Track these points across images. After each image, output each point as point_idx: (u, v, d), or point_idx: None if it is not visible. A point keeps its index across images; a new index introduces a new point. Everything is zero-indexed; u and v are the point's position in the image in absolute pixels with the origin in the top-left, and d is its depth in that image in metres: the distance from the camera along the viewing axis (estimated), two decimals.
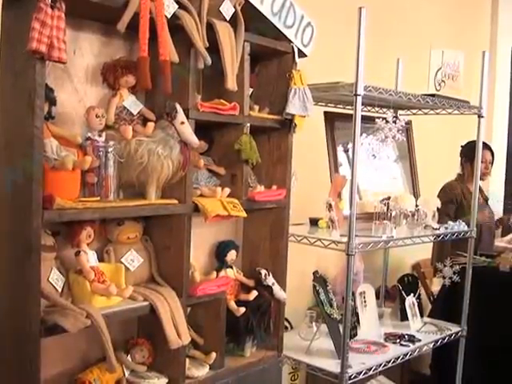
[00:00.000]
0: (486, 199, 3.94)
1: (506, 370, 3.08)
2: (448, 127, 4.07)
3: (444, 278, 2.99)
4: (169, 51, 1.65)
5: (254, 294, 2.07)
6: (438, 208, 3.04)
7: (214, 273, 2.04)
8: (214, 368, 1.99)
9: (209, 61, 1.76)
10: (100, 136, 1.67)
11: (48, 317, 1.51)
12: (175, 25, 1.68)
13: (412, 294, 2.98)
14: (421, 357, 3.70)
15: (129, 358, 1.84)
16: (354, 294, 2.75)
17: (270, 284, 2.10)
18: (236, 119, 1.94)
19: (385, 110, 2.66)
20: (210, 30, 1.79)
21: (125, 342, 1.88)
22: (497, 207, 4.70)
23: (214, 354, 1.98)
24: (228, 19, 1.85)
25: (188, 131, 1.76)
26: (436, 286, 3.72)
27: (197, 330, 2.01)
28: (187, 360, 1.91)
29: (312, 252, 2.58)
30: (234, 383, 2.04)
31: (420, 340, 2.75)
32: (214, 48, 1.79)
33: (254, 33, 1.96)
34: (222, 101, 1.91)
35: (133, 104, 1.79)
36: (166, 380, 1.86)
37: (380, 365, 2.47)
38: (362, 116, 2.22)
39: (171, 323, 1.76)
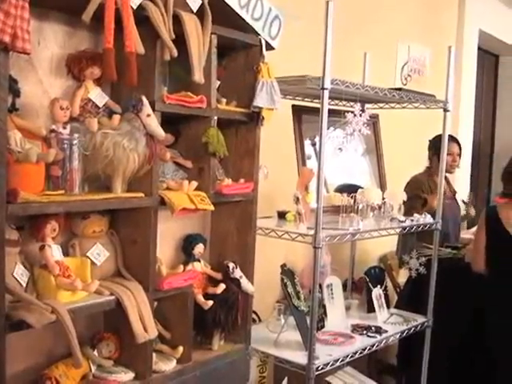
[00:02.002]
0: (453, 192, 4.00)
1: (472, 359, 3.14)
2: (415, 121, 4.11)
3: (410, 269, 3.03)
4: (134, 43, 1.63)
5: (222, 287, 2.07)
6: (406, 200, 3.09)
7: (181, 266, 2.03)
8: (181, 362, 1.99)
9: (175, 52, 1.74)
10: (65, 128, 1.64)
11: (13, 312, 1.48)
12: (141, 16, 1.66)
13: (379, 286, 3.02)
14: (388, 347, 3.75)
15: (95, 352, 1.83)
16: (321, 286, 2.77)
17: (238, 277, 2.10)
18: (203, 112, 1.93)
19: (352, 103, 2.66)
20: (177, 22, 1.77)
21: (91, 337, 1.87)
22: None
23: (181, 348, 1.97)
24: (195, 11, 1.84)
25: (154, 124, 1.74)
26: (402, 277, 3.77)
27: (164, 324, 2.00)
28: (154, 354, 1.91)
29: (281, 245, 2.59)
30: (202, 376, 2.04)
31: (387, 331, 2.79)
32: (180, 40, 1.77)
33: (221, 25, 1.95)
34: (188, 93, 1.89)
35: (98, 96, 1.77)
36: (133, 374, 1.85)
37: (347, 356, 2.49)
38: (329, 109, 2.23)
39: (137, 317, 1.76)
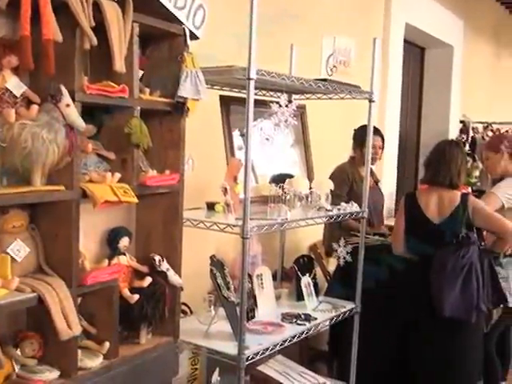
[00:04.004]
0: (376, 181, 4.09)
1: (400, 344, 3.22)
2: (344, 111, 4.18)
3: (339, 257, 3.09)
4: (52, 30, 1.59)
5: (148, 280, 2.04)
6: (331, 190, 3.13)
7: (106, 260, 1.99)
8: (108, 357, 1.95)
9: (94, 41, 1.71)
10: None
11: None
12: (59, 3, 1.61)
13: (308, 275, 3.06)
14: (319, 334, 3.82)
15: (18, 352, 1.77)
16: (251, 276, 2.78)
17: (165, 270, 2.08)
18: (125, 102, 1.89)
19: (279, 94, 2.68)
20: (97, 10, 1.73)
21: (13, 336, 1.81)
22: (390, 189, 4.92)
23: (107, 344, 1.94)
24: None
25: (74, 114, 1.70)
26: (332, 265, 3.84)
27: (89, 320, 1.96)
28: (79, 351, 1.86)
29: (212, 236, 2.58)
30: (130, 371, 2.01)
31: (316, 318, 2.82)
32: (101, 28, 1.73)
33: (143, 14, 1.91)
34: (110, 83, 1.85)
35: (16, 86, 1.71)
36: (58, 373, 1.80)
37: (277, 344, 2.51)
38: (257, 100, 2.23)
39: (60, 314, 1.71)
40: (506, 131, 6.72)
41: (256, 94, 2.76)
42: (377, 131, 3.89)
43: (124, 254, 2.06)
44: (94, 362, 1.90)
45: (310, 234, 4.10)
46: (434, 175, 3.12)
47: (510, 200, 3.38)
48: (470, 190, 4.75)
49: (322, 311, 2.95)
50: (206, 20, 2.12)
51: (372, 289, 3.12)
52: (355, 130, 3.75)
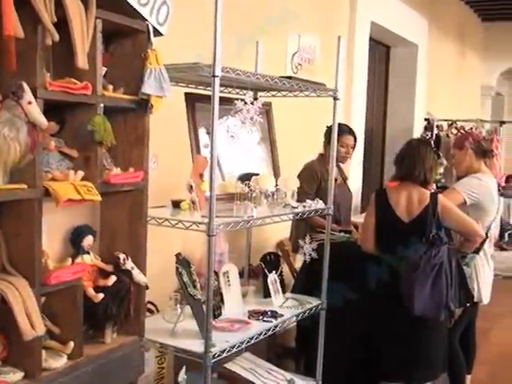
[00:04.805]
0: (344, 179, 4.13)
1: (365, 335, 3.25)
2: (311, 109, 4.20)
3: (305, 254, 3.11)
4: (13, 26, 1.55)
5: (113, 279, 2.02)
6: (299, 187, 3.15)
7: (70, 259, 1.96)
8: (72, 357, 1.92)
9: (56, 37, 1.68)
10: None
11: None
12: None
13: (274, 272, 3.07)
14: (287, 331, 3.84)
15: None
16: (217, 274, 2.78)
17: (129, 268, 2.06)
18: (88, 99, 1.87)
19: (245, 91, 2.68)
20: (59, 5, 1.70)
21: None
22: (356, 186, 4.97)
23: (71, 343, 1.91)
24: None
25: (36, 111, 1.67)
26: (299, 262, 3.86)
27: (53, 320, 1.94)
28: (44, 351, 1.84)
29: (179, 235, 2.58)
30: (95, 371, 1.99)
31: (282, 315, 2.84)
32: (63, 24, 1.71)
33: (106, 10, 1.89)
34: (73, 80, 1.83)
35: None
36: (22, 374, 1.77)
37: (243, 342, 2.52)
38: (222, 98, 2.22)
39: (24, 314, 1.68)
40: (470, 129, 6.85)
41: (222, 92, 2.76)
42: (350, 131, 3.93)
43: (88, 253, 2.04)
44: (59, 363, 1.88)
45: (278, 232, 4.12)
46: (409, 171, 3.13)
47: (472, 196, 3.44)
48: (434, 186, 4.82)
49: (288, 308, 2.97)
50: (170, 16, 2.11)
51: (340, 288, 3.15)
52: (328, 127, 3.76)
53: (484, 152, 3.68)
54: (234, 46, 2.36)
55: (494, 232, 3.91)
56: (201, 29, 2.48)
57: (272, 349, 3.66)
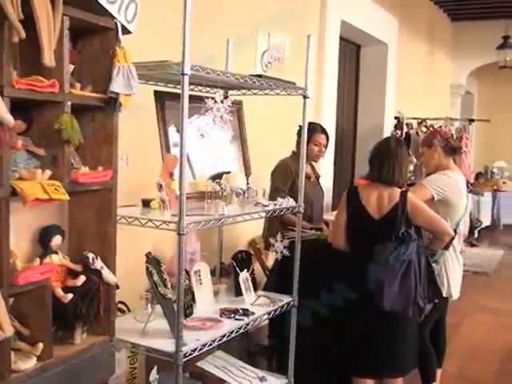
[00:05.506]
0: (317, 177, 4.15)
1: (336, 334, 3.28)
2: (282, 108, 4.22)
3: (276, 252, 3.12)
4: None
5: (82, 279, 2.00)
6: (272, 184, 3.15)
7: (38, 260, 1.93)
8: (42, 359, 1.90)
9: (23, 34, 1.66)
10: None
11: None
12: None
13: (246, 270, 3.08)
14: (260, 329, 3.85)
15: None
16: (189, 273, 2.78)
17: (99, 268, 2.04)
18: (55, 97, 1.85)
19: (216, 90, 2.67)
20: (25, 2, 1.67)
21: None
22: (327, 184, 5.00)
23: (40, 345, 1.89)
24: None
25: (2, 110, 1.64)
26: (271, 260, 3.87)
27: (21, 321, 1.91)
28: (12, 353, 1.81)
29: (151, 234, 2.56)
30: (65, 372, 1.97)
31: (254, 313, 2.84)
32: (30, 21, 1.69)
33: (74, 7, 1.87)
34: (39, 77, 1.81)
35: None
36: None
37: (215, 340, 2.51)
38: (192, 96, 2.22)
39: None
40: (440, 127, 6.93)
41: (192, 90, 2.75)
42: (322, 130, 3.96)
43: (56, 253, 2.02)
44: (28, 364, 1.86)
45: (250, 230, 4.13)
46: (390, 177, 3.11)
47: (440, 192, 3.48)
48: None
49: (260, 305, 2.97)
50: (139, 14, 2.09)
51: (311, 283, 3.16)
52: (300, 126, 3.77)
53: (452, 149, 3.72)
54: (205, 44, 2.35)
55: (463, 229, 3.95)
56: (172, 27, 2.47)
57: (245, 346, 3.66)
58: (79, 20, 1.92)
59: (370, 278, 2.99)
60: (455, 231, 3.41)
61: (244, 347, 3.66)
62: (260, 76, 2.67)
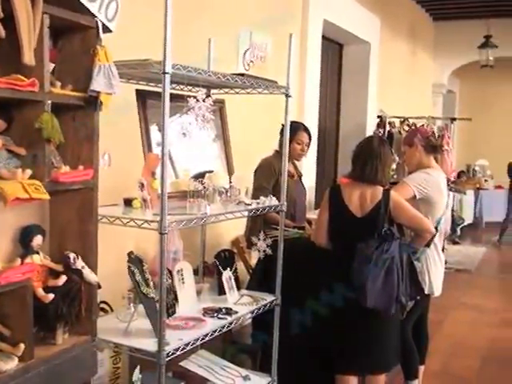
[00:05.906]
0: (300, 176, 4.16)
1: (319, 335, 3.29)
2: (265, 107, 4.22)
3: (259, 251, 3.12)
4: None
5: (63, 278, 1.99)
6: (256, 182, 3.13)
7: (19, 260, 1.92)
8: (23, 359, 1.89)
9: (2, 33, 1.65)
10: None
11: None
12: None
13: (229, 269, 3.08)
14: (244, 328, 3.86)
15: None
16: (171, 272, 2.77)
17: (80, 267, 2.03)
18: (35, 96, 1.84)
19: (198, 88, 2.67)
20: (5, 0, 1.67)
21: None
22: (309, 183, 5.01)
23: (22, 345, 1.88)
24: None
25: None
26: (254, 259, 3.87)
27: (3, 321, 1.91)
28: None
29: (133, 233, 2.55)
30: (47, 373, 1.96)
31: (237, 312, 2.84)
32: (10, 19, 1.68)
33: (54, 5, 1.86)
34: (19, 76, 1.79)
35: None
36: None
37: (198, 339, 2.51)
38: (174, 95, 2.21)
39: None
40: (422, 125, 6.98)
41: (174, 89, 2.75)
42: (305, 128, 3.97)
43: (37, 253, 2.00)
44: (9, 365, 1.85)
45: (233, 229, 4.13)
46: (373, 176, 3.12)
47: (421, 190, 3.50)
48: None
49: (243, 304, 2.97)
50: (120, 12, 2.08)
51: (294, 280, 3.17)
52: (283, 125, 3.77)
53: (433, 148, 3.74)
54: (187, 43, 2.34)
55: (445, 226, 3.98)
56: (154, 26, 2.47)
57: (228, 345, 3.66)
58: (59, 18, 1.91)
59: (352, 276, 3.01)
60: (436, 229, 3.43)
61: (227, 346, 3.66)
62: (242, 75, 2.67)
